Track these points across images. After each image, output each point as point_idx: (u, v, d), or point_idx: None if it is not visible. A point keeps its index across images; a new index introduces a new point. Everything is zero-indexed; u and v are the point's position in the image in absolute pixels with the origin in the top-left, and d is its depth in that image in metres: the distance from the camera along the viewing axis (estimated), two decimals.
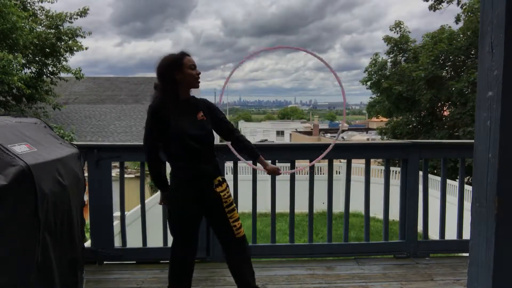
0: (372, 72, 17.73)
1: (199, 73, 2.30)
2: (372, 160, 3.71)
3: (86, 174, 2.83)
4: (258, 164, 2.62)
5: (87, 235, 3.82)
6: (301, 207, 4.35)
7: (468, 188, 8.17)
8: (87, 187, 2.89)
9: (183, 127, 2.24)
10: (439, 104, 16.68)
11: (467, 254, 1.13)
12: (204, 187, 2.33)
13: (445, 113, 16.77)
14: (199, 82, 2.30)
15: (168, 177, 2.44)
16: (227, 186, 2.42)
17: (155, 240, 3.87)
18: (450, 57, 15.61)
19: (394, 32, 17.54)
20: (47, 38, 12.29)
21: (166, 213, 2.44)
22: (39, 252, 1.87)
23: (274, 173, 2.61)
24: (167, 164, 2.45)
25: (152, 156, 2.35)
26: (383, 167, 4.45)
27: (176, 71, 2.25)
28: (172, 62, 2.26)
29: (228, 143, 2.59)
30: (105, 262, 3.28)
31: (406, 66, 16.16)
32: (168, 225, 2.46)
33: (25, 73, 11.86)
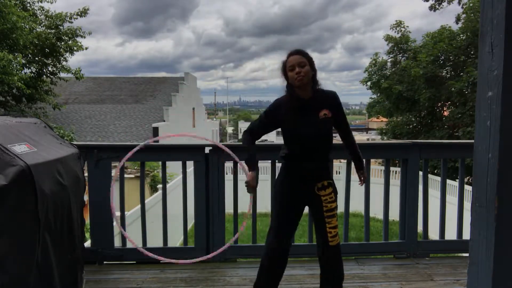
0: (372, 72, 17.74)
1: (298, 72, 2.26)
2: (372, 160, 3.71)
3: (86, 174, 2.83)
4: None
5: (87, 235, 3.82)
6: None
7: (468, 188, 8.17)
8: (87, 187, 2.89)
9: (295, 127, 2.31)
10: (439, 104, 16.69)
11: (467, 254, 1.12)
12: (305, 187, 2.36)
13: (445, 113, 16.77)
14: (297, 80, 2.28)
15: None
16: (333, 191, 2.39)
17: (155, 240, 3.87)
18: (450, 56, 15.62)
19: (395, 32, 17.55)
20: (47, 38, 12.30)
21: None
22: (39, 252, 1.87)
23: None
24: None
25: (248, 136, 2.43)
26: (383, 167, 4.45)
27: (286, 75, 2.34)
28: (282, 68, 2.37)
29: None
30: (105, 262, 3.28)
31: (405, 64, 16.18)
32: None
33: (25, 73, 11.86)
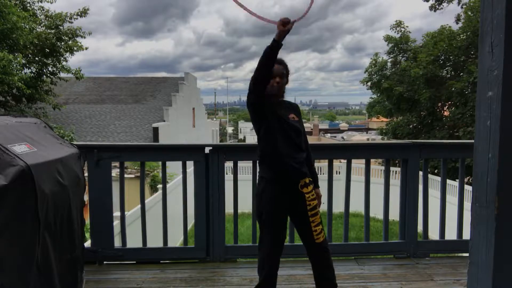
0: (372, 73, 17.74)
1: (277, 81, 2.36)
2: (372, 160, 3.71)
3: (86, 174, 2.83)
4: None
5: (87, 235, 3.82)
6: None
7: (468, 188, 8.17)
8: (87, 187, 2.89)
9: (282, 116, 2.37)
10: (439, 104, 16.69)
11: (467, 254, 1.12)
12: (290, 184, 2.37)
13: (445, 113, 16.77)
14: (274, 88, 2.36)
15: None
16: (313, 188, 2.44)
17: (155, 240, 3.87)
18: (450, 56, 15.62)
19: (395, 32, 17.56)
20: (47, 38, 12.30)
21: (255, 209, 2.45)
22: (39, 252, 1.87)
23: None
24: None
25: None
26: (383, 167, 4.45)
27: None
28: None
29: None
30: (105, 262, 3.28)
31: (405, 64, 16.18)
32: (257, 221, 2.51)
33: (25, 73, 11.87)
